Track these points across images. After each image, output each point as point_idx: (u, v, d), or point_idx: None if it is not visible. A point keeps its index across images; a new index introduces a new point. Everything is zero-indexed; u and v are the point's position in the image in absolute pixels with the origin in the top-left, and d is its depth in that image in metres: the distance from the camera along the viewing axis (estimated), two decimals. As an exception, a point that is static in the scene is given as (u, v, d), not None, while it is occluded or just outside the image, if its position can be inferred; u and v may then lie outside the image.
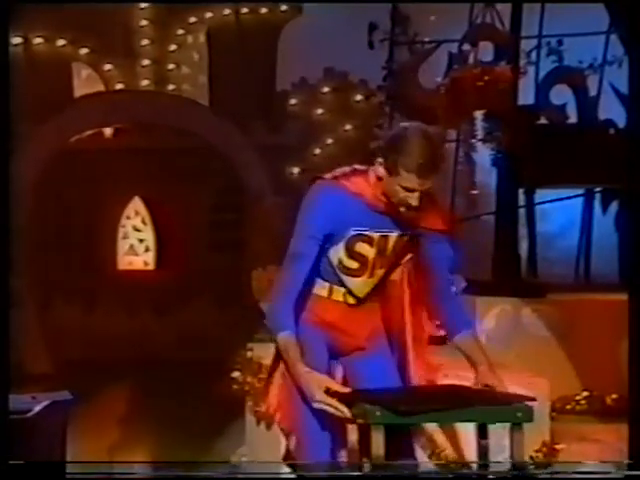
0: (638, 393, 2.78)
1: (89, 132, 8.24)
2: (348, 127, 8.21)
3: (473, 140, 5.75)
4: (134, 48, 8.33)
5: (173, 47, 8.37)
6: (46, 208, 8.15)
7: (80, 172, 8.47)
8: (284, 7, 8.20)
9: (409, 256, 2.78)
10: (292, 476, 2.76)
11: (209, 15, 8.34)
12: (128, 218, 9.06)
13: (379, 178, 2.70)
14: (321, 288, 2.82)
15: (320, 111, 8.28)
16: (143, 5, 8.27)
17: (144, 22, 8.31)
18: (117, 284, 8.83)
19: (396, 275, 2.83)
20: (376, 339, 2.85)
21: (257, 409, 4.40)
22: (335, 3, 7.10)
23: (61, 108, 7.98)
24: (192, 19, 8.31)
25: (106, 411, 6.06)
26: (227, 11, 8.32)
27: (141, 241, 9.09)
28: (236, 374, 5.09)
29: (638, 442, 2.73)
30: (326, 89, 8.23)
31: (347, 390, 2.69)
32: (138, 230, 9.09)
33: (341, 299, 2.81)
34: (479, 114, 5.63)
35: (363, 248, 2.74)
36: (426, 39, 6.61)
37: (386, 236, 2.72)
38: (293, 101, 8.32)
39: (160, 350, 7.99)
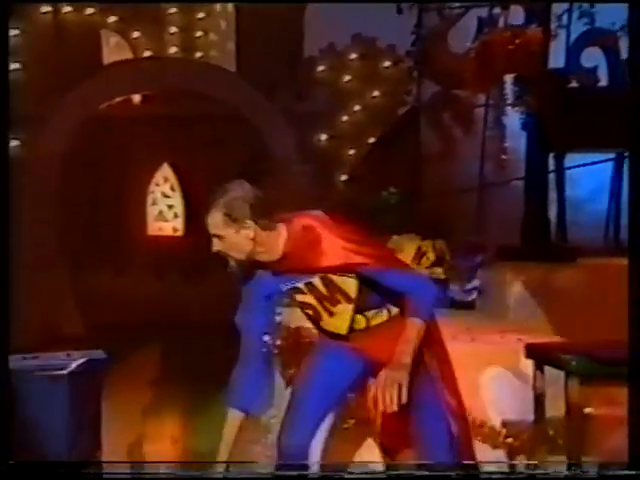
0: (638, 393, 2.71)
1: (118, 99, 8.19)
2: (376, 93, 8.08)
3: (503, 104, 5.64)
4: (162, 15, 8.25)
5: (201, 14, 8.28)
6: (76, 174, 8.13)
7: (109, 139, 8.44)
8: (312, -27, 8.06)
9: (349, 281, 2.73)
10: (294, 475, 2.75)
11: (237, -18, 8.23)
12: (157, 185, 9.04)
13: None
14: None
15: (347, 77, 8.16)
16: (172, -29, 8.18)
17: (173, -11, 8.23)
18: (147, 249, 8.84)
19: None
20: None
21: (285, 371, 4.38)
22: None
23: (90, 76, 7.92)
24: (220, -15, 8.21)
25: (137, 371, 6.08)
26: (255, -23, 8.20)
27: (170, 207, 9.07)
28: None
29: (638, 442, 2.65)
30: (354, 55, 8.10)
31: None
32: (167, 196, 9.07)
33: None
34: (509, 78, 5.52)
35: (302, 298, 2.80)
36: (455, 4, 6.48)
37: (310, 283, 2.76)
38: (320, 68, 8.21)
39: (188, 313, 8.00)
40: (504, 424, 3.62)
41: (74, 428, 2.39)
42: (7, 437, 2.35)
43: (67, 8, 8.02)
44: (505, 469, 3.27)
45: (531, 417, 3.46)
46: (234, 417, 2.80)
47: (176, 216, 9.04)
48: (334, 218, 2.80)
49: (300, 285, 2.76)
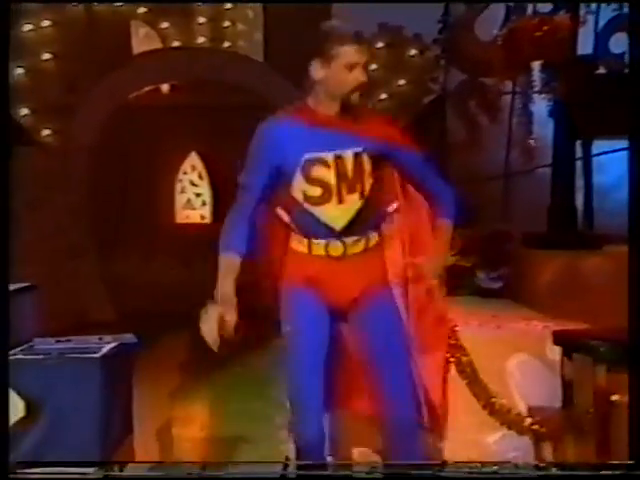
0: (638, 393, 2.67)
1: (147, 89, 8.21)
2: (402, 82, 8.02)
3: (530, 91, 5.57)
4: (191, 6, 8.25)
5: (229, 5, 8.26)
6: (106, 163, 8.17)
7: (138, 128, 8.47)
8: (339, -38, 8.01)
9: (370, 170, 2.59)
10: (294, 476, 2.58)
11: (264, -28, 8.20)
12: (185, 173, 9.06)
13: (319, 83, 2.63)
14: (299, 244, 2.68)
15: (374, 66, 8.10)
16: (200, -38, 8.18)
17: (201, -21, 8.22)
18: (175, 237, 8.87)
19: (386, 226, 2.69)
20: (372, 291, 2.66)
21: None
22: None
23: (120, 66, 7.95)
24: (247, -25, 8.18)
25: (166, 356, 6.12)
26: (282, -33, 8.17)
27: (198, 195, 9.09)
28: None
29: (638, 442, 2.61)
30: (380, 44, 8.04)
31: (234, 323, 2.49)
32: (195, 185, 9.08)
33: (323, 253, 2.65)
34: (536, 65, 5.45)
35: (320, 172, 2.60)
36: (483, -9, 6.40)
37: (341, 157, 2.59)
38: (347, 56, 8.16)
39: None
40: (530, 410, 3.59)
41: (106, 411, 2.40)
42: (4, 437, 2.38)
43: (97, 0, 8.06)
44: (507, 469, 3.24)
45: (558, 404, 3.43)
46: (228, 261, 2.59)
47: (204, 204, 9.06)
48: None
49: (328, 156, 2.59)
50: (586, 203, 5.45)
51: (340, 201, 2.61)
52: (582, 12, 5.35)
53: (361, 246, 2.67)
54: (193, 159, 8.98)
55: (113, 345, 2.54)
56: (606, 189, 6.03)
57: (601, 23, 5.80)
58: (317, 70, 2.65)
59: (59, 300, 6.79)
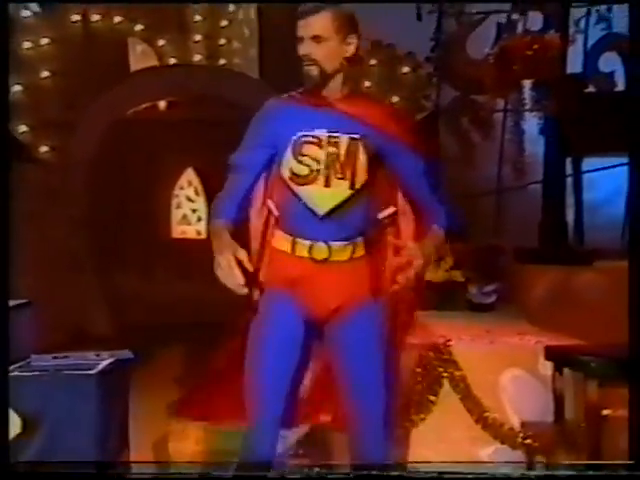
0: (638, 392, 2.68)
1: (144, 105, 8.22)
2: (395, 99, 8.05)
3: (521, 109, 5.61)
4: (187, 24, 8.27)
5: (224, 23, 8.29)
6: (104, 178, 8.17)
7: (136, 143, 8.47)
8: (333, -19, 8.05)
9: (365, 161, 2.47)
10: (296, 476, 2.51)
11: (260, -10, 8.24)
12: (181, 188, 9.06)
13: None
14: (283, 242, 2.53)
15: (367, 84, 8.13)
16: (196, -19, 8.21)
17: (197, -2, 8.25)
18: (171, 252, 8.86)
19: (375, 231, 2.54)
20: (354, 304, 2.51)
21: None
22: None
23: (118, 82, 7.96)
24: (243, -5, 8.22)
25: (163, 371, 6.09)
26: (277, -14, 8.21)
27: (194, 211, 9.08)
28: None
29: (638, 442, 2.60)
30: (373, 61, 8.08)
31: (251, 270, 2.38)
32: (191, 200, 9.08)
33: (306, 254, 2.50)
34: (527, 83, 5.48)
35: (311, 150, 2.49)
36: (474, 10, 6.44)
37: (336, 138, 2.49)
38: (341, 74, 8.19)
39: (211, 313, 7.99)
40: (523, 425, 3.59)
41: (102, 426, 2.39)
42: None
43: (96, 17, 8.06)
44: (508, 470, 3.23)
45: (550, 418, 3.43)
46: (219, 226, 2.50)
47: (200, 219, 9.05)
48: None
49: (323, 136, 2.47)
50: (577, 219, 5.47)
51: (327, 184, 2.48)
52: (571, 31, 5.39)
53: (347, 253, 2.52)
54: (189, 175, 8.99)
55: (110, 361, 2.53)
56: (596, 205, 6.07)
57: (590, 42, 5.84)
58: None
59: (57, 314, 6.76)
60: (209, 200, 8.98)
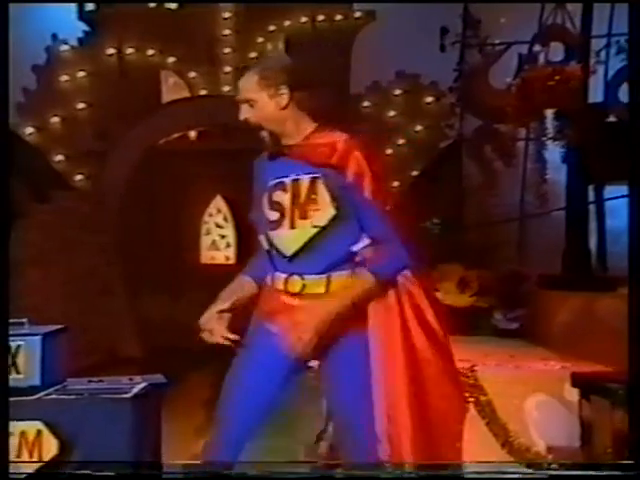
0: (638, 392, 2.63)
1: (175, 135, 8.32)
2: (419, 128, 8.07)
3: (543, 138, 5.59)
4: (217, 56, 8.38)
5: (253, 54, 8.38)
6: (136, 205, 8.26)
7: (167, 172, 8.57)
8: (358, 14, 8.12)
9: (328, 199, 2.48)
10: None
11: (287, 23, 8.32)
12: (210, 215, 9.13)
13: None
14: (267, 276, 2.59)
15: (392, 113, 8.16)
16: (226, 15, 8.31)
17: (227, 31, 8.34)
18: (200, 277, 8.89)
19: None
20: (332, 338, 2.46)
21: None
22: (408, 4, 6.97)
23: (150, 113, 8.07)
24: (271, 27, 8.30)
25: (193, 394, 6.09)
26: (304, 19, 8.28)
27: (222, 237, 9.14)
28: (313, 363, 5.07)
29: (638, 442, 2.56)
30: (398, 91, 8.11)
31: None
32: (220, 227, 9.14)
33: (282, 287, 2.52)
34: (549, 113, 5.47)
35: (279, 196, 2.56)
36: (497, 41, 6.47)
37: (298, 180, 2.52)
38: (366, 103, 8.23)
39: (240, 337, 8.00)
40: (549, 450, 3.54)
41: (136, 449, 2.40)
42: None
43: (130, 50, 8.19)
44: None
45: (576, 444, 3.38)
46: (239, 280, 2.64)
47: (228, 245, 9.10)
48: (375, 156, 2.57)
49: (287, 180, 2.52)
50: (599, 246, 5.42)
51: (292, 225, 2.52)
52: (592, 62, 5.38)
53: (322, 287, 2.50)
54: (218, 202, 9.06)
55: (143, 385, 2.54)
56: (619, 232, 6.00)
57: (610, 73, 5.83)
58: None
59: (89, 338, 6.82)
60: (237, 227, 9.04)
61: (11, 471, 2.21)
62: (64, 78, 8.08)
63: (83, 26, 8.23)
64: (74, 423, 2.34)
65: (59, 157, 8.02)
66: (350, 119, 8.32)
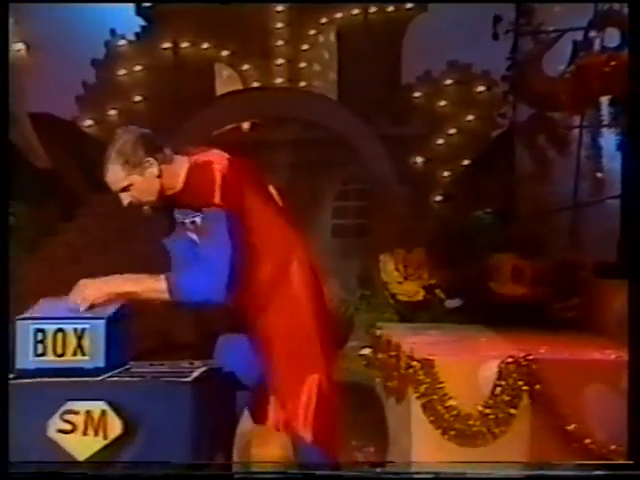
0: (638, 393, 2.54)
1: (229, 127, 8.37)
2: (470, 117, 7.97)
3: (598, 126, 5.46)
4: (270, 49, 8.40)
5: (305, 47, 8.39)
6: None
7: (221, 163, 8.61)
8: (410, 5, 8.05)
9: None
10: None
11: (339, 15, 8.30)
12: (262, 205, 9.15)
13: None
14: None
15: (443, 102, 8.08)
16: (279, 8, 8.33)
17: (280, 24, 8.36)
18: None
19: None
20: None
21: (387, 384, 4.34)
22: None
23: (204, 105, 8.13)
24: (323, 20, 8.29)
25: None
26: (356, 11, 8.25)
27: (274, 227, 9.16)
28: (366, 351, 5.05)
29: (638, 442, 2.45)
30: (449, 81, 8.02)
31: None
32: (271, 217, 9.16)
33: None
34: (604, 99, 5.33)
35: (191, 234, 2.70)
36: (550, 28, 6.33)
37: (194, 223, 2.67)
38: (417, 94, 8.16)
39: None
40: (605, 439, 3.47)
41: (196, 432, 2.42)
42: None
43: (185, 44, 8.27)
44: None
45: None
46: None
47: (280, 235, 9.13)
48: (239, 161, 2.75)
49: (187, 221, 2.65)
50: (656, 234, 5.27)
51: None
52: (650, 47, 5.22)
53: None
54: (270, 192, 9.08)
55: (203, 369, 2.56)
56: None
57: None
58: None
59: (145, 323, 6.90)
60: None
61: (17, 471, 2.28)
62: (122, 72, 8.19)
63: (140, 21, 8.34)
64: (137, 404, 2.37)
65: (116, 149, 8.12)
66: (400, 109, 8.26)
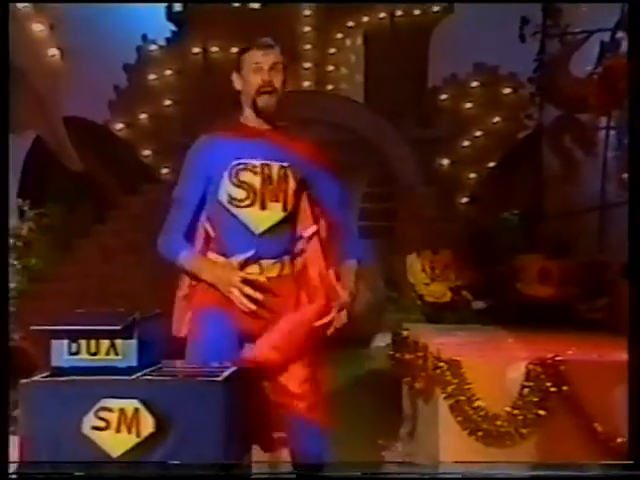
0: (638, 393, 2.48)
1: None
2: (496, 119, 7.92)
3: (625, 126, 5.38)
4: (298, 52, 8.42)
5: (332, 50, 8.40)
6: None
7: (250, 165, 8.65)
8: (436, 8, 8.03)
9: (294, 187, 2.64)
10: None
11: (366, 19, 8.31)
12: (290, 207, 9.17)
13: (240, 94, 2.72)
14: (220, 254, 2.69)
15: (469, 105, 8.04)
16: (307, 12, 8.35)
17: (307, 28, 8.39)
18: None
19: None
20: (282, 313, 2.68)
21: (414, 385, 4.32)
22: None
23: (233, 108, 8.16)
24: (350, 23, 8.31)
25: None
26: (382, 14, 8.26)
27: (301, 228, 9.18)
28: (393, 352, 5.03)
29: (638, 442, 2.40)
30: (475, 83, 7.99)
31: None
32: (299, 218, 9.18)
33: (237, 267, 2.62)
34: (632, 101, 5.25)
35: (247, 176, 2.63)
36: (578, 29, 6.27)
37: (268, 165, 2.62)
38: (443, 96, 8.14)
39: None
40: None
41: (227, 431, 2.42)
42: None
43: (214, 48, 8.32)
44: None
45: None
46: (188, 259, 2.73)
47: (307, 236, 9.14)
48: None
49: (256, 163, 2.62)
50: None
51: (263, 207, 2.63)
52: (679, 48, 5.15)
53: (276, 270, 2.66)
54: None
55: (233, 369, 2.57)
56: None
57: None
58: (235, 81, 2.74)
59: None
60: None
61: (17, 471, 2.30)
62: (152, 76, 8.26)
63: (171, 26, 8.40)
64: (169, 403, 2.38)
65: (147, 151, 8.21)
66: (427, 112, 8.23)
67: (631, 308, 2.70)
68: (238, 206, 2.65)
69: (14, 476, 2.36)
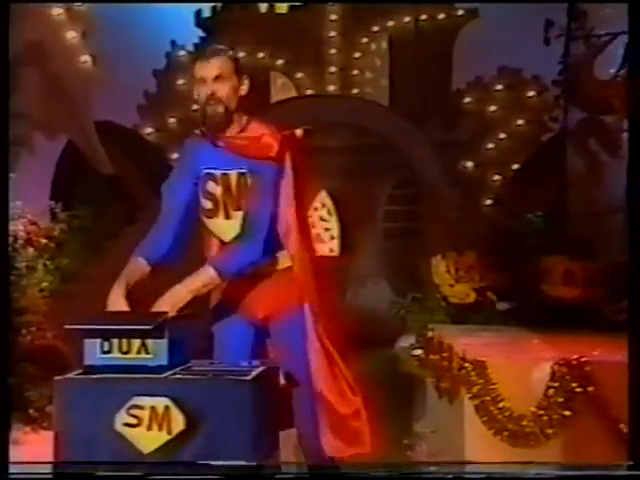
0: (638, 393, 2.43)
1: (282, 133, 8.41)
2: (520, 122, 7.86)
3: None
4: (323, 57, 8.43)
5: (357, 54, 8.39)
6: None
7: (275, 168, 8.66)
8: (461, 11, 7.99)
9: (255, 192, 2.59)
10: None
11: (391, 23, 8.29)
12: (315, 209, 9.18)
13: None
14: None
15: (493, 108, 7.98)
16: (333, 17, 8.35)
17: (332, 33, 8.39)
18: (307, 268, 8.94)
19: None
20: (281, 312, 2.70)
21: (440, 385, 4.30)
22: (511, 3, 6.79)
23: (260, 113, 8.18)
24: (375, 28, 8.29)
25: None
26: (407, 19, 8.23)
27: (327, 230, 9.18)
28: (418, 352, 5.02)
29: (638, 442, 2.36)
30: (499, 86, 7.93)
31: None
32: (324, 220, 9.18)
33: None
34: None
35: (211, 186, 2.65)
36: (602, 32, 6.21)
37: (227, 175, 2.62)
38: (467, 99, 8.09)
39: (343, 325, 8.00)
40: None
41: (256, 429, 2.43)
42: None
43: (242, 53, 8.36)
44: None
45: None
46: (132, 265, 2.77)
47: (332, 238, 9.13)
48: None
49: (217, 173, 2.63)
50: None
51: (227, 216, 2.65)
52: None
53: (270, 266, 2.70)
54: (323, 197, 9.10)
55: (261, 369, 2.57)
56: None
57: None
58: (194, 91, 2.67)
59: (199, 323, 6.98)
60: (341, 219, 9.05)
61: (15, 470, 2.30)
62: (181, 82, 8.31)
63: (200, 32, 8.45)
64: (199, 401, 2.40)
65: (175, 155, 8.25)
66: (451, 115, 8.19)
67: (631, 308, 2.66)
68: (207, 216, 2.71)
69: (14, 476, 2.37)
